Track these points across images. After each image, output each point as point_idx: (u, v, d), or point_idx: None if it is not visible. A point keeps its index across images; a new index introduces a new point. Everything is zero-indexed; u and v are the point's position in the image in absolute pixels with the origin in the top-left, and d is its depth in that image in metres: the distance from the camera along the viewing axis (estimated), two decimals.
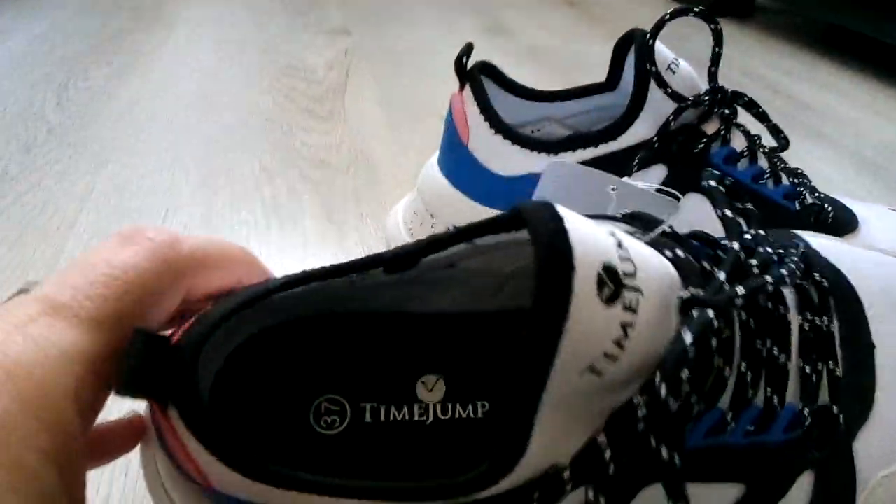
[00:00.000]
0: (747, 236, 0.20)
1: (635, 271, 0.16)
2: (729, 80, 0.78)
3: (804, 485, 0.20)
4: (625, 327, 0.15)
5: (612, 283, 0.15)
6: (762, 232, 0.20)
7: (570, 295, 0.14)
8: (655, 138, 0.30)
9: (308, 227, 0.46)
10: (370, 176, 0.52)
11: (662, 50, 0.31)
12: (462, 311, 0.23)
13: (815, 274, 0.21)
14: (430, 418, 0.22)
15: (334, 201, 0.49)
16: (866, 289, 0.22)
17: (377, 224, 0.46)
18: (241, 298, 0.18)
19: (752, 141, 0.31)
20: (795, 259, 0.20)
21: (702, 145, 0.30)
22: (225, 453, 0.16)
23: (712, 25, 0.30)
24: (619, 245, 0.16)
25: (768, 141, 0.35)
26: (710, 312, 0.16)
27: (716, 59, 0.31)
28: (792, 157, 0.59)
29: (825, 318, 0.20)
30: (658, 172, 0.30)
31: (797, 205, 0.31)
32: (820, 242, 0.24)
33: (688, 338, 0.15)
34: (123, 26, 0.88)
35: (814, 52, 0.89)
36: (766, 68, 0.83)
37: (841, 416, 0.19)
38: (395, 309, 0.22)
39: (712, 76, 0.31)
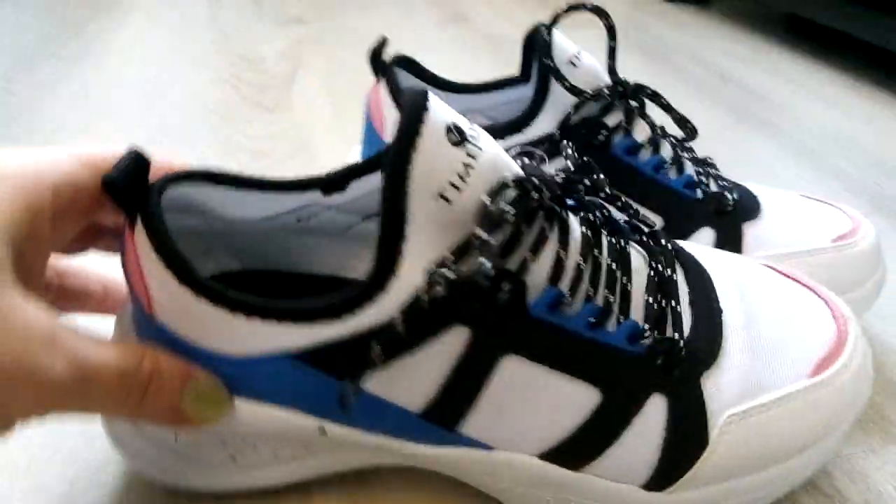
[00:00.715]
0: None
1: (479, 138, 0.20)
2: (678, 67, 0.79)
3: (659, 406, 0.22)
4: (466, 167, 0.19)
5: (459, 134, 0.19)
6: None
7: (421, 126, 0.19)
8: (557, 132, 0.31)
9: None
10: (310, 166, 0.53)
11: (563, 44, 0.32)
12: None
13: (668, 247, 0.25)
14: None
15: None
16: (718, 274, 0.26)
17: None
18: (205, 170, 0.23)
19: (654, 131, 0.32)
20: (647, 234, 0.25)
21: (602, 137, 0.31)
22: (178, 269, 0.20)
23: (604, 21, 0.31)
24: (471, 124, 0.21)
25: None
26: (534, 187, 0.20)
27: (611, 53, 0.32)
28: (737, 147, 0.60)
29: (669, 271, 0.24)
30: (559, 165, 0.31)
31: (699, 193, 0.32)
32: (687, 244, 0.28)
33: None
34: (75, 18, 0.87)
35: (771, 41, 0.90)
36: (719, 56, 0.84)
37: (684, 351, 0.22)
38: (331, 273, 0.27)
39: (612, 70, 0.32)
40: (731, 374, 0.23)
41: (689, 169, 0.33)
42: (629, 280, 0.23)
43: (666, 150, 0.32)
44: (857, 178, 0.55)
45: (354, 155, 0.40)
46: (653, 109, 0.34)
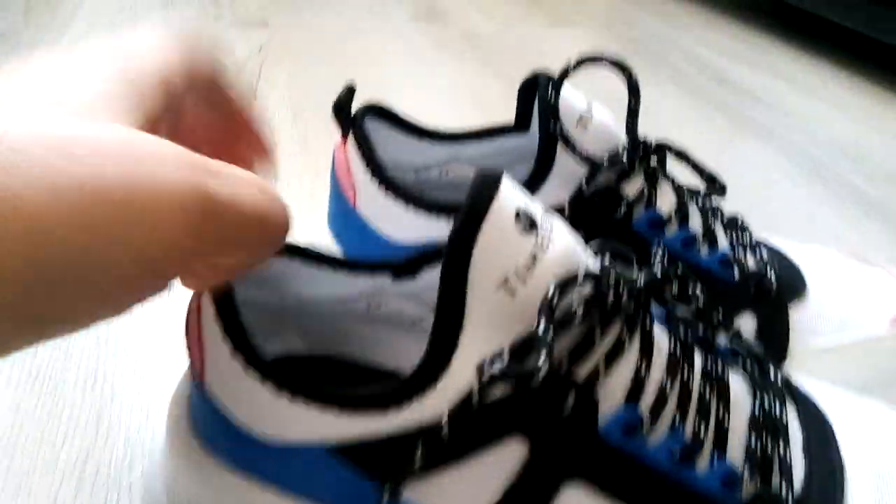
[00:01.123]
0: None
1: (551, 226, 0.18)
2: (673, 66, 0.73)
3: None
4: (534, 257, 0.17)
5: (529, 222, 0.18)
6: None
7: (488, 210, 0.17)
8: (567, 206, 0.25)
9: None
10: None
11: (571, 100, 0.26)
12: None
13: (777, 378, 0.21)
14: None
15: None
16: (838, 417, 0.22)
17: None
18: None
19: (682, 199, 0.27)
20: (752, 358, 0.21)
21: (622, 212, 0.25)
22: (233, 338, 0.19)
23: (627, 75, 0.25)
24: (544, 211, 0.19)
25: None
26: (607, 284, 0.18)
27: (633, 112, 0.26)
28: (737, 157, 0.56)
29: (778, 407, 0.20)
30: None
31: (736, 273, 0.27)
32: (799, 379, 0.24)
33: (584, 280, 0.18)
34: (11, 26, 0.79)
35: (765, 34, 0.85)
36: (712, 53, 0.78)
37: None
38: (397, 368, 0.25)
39: (630, 130, 0.26)
40: None
41: (723, 241, 0.27)
42: (727, 412, 0.20)
43: (695, 220, 0.27)
44: (863, 189, 0.51)
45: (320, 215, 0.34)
46: (673, 165, 0.29)
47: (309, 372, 0.24)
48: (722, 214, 0.29)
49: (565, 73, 0.25)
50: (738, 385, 0.21)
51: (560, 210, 0.25)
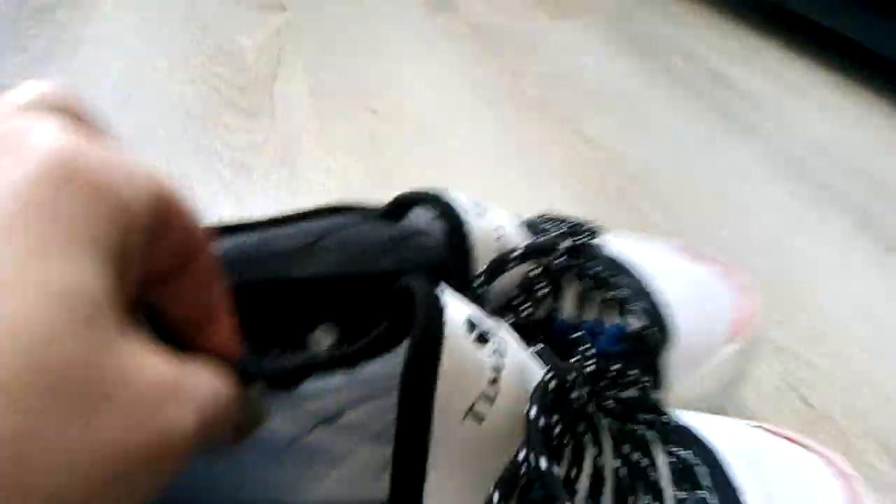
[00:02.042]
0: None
1: (498, 332, 0.18)
2: (668, 61, 0.77)
3: None
4: (496, 369, 0.16)
5: (480, 334, 0.17)
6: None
7: (443, 327, 0.15)
8: None
9: None
10: (292, 184, 0.51)
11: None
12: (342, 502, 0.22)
13: (676, 426, 0.23)
14: None
15: (255, 211, 0.48)
16: (721, 445, 0.24)
17: None
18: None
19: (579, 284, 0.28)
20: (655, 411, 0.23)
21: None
22: None
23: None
24: (482, 313, 0.18)
25: None
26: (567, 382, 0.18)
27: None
28: (719, 150, 0.60)
29: (685, 453, 0.22)
30: None
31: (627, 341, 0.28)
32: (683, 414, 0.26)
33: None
34: (42, 3, 0.83)
35: (763, 36, 0.89)
36: (709, 52, 0.82)
37: None
38: (273, 500, 0.21)
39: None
40: None
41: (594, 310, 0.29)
42: (658, 476, 0.21)
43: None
44: (842, 190, 0.55)
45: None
46: None
47: None
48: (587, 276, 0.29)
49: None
50: (654, 442, 0.22)
51: None
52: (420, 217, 0.28)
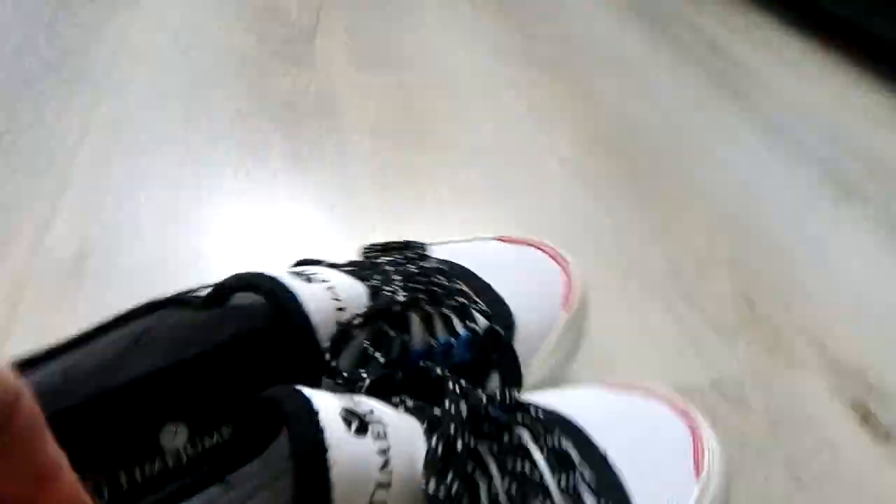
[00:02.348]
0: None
1: (372, 410, 0.18)
2: (672, 31, 0.84)
3: None
4: (383, 452, 0.16)
5: (356, 418, 0.17)
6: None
7: (323, 433, 0.15)
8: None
9: (275, 164, 0.53)
10: (332, 121, 0.60)
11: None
12: None
13: (539, 419, 0.25)
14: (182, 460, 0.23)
15: (299, 142, 0.56)
16: (580, 417, 0.27)
17: (336, 164, 0.54)
18: None
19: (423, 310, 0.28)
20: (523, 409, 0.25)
21: (400, 376, 0.26)
22: None
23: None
24: (351, 394, 0.19)
25: None
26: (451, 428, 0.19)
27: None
28: (708, 112, 0.67)
29: (557, 442, 0.24)
30: None
31: (474, 345, 0.29)
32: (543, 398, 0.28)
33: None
34: None
35: (763, 11, 0.95)
36: (713, 24, 0.89)
37: None
38: None
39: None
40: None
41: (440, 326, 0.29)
42: (540, 473, 0.22)
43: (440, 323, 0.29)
44: (820, 156, 0.63)
45: None
46: None
47: None
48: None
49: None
50: (530, 444, 0.23)
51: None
52: (242, 299, 0.27)
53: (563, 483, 0.22)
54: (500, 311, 0.31)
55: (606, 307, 0.44)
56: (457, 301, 0.29)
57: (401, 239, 0.35)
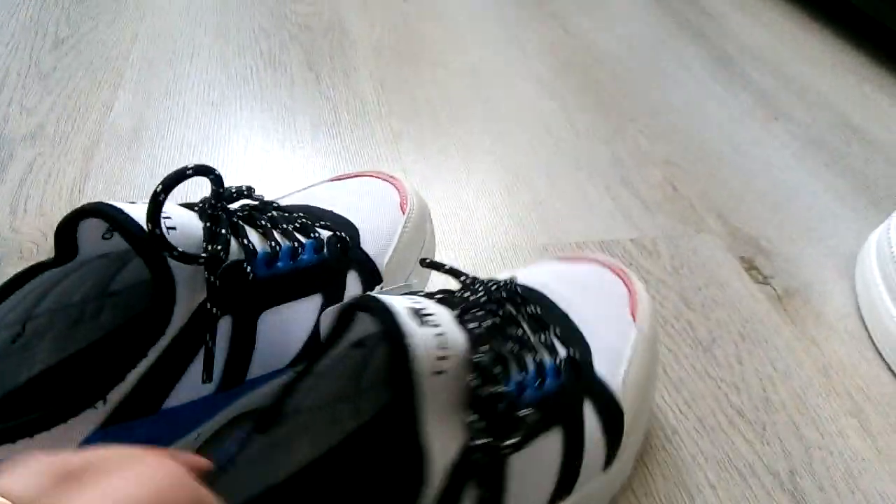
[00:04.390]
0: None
1: (426, 307, 0.23)
2: (670, 7, 0.93)
3: (590, 409, 0.28)
4: (438, 336, 0.22)
5: (418, 315, 0.22)
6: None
7: (401, 327, 0.21)
8: (211, 306, 0.27)
9: (294, 72, 0.64)
10: (343, 40, 0.70)
11: (141, 216, 0.27)
12: (330, 447, 0.28)
13: (517, 289, 0.30)
14: None
15: (314, 56, 0.67)
16: (544, 287, 0.33)
17: (343, 74, 0.64)
18: None
19: (259, 226, 0.31)
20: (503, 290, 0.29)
21: (250, 274, 0.29)
22: None
23: (212, 175, 0.29)
24: (413, 298, 0.24)
25: None
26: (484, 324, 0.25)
27: (216, 196, 0.29)
28: (670, 47, 0.76)
29: (533, 308, 0.29)
30: (224, 326, 0.28)
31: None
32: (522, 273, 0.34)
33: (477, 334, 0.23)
34: None
35: None
36: None
37: (580, 358, 0.29)
38: (267, 484, 0.26)
39: (213, 208, 0.29)
40: (601, 355, 0.30)
41: (283, 240, 0.31)
42: (527, 335, 0.27)
43: (278, 235, 0.32)
44: (760, 87, 0.72)
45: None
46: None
47: None
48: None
49: (158, 203, 0.26)
50: (519, 317, 0.28)
51: (201, 311, 0.27)
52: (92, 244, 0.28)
53: (542, 339, 0.28)
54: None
55: (558, 187, 0.55)
56: (299, 223, 0.32)
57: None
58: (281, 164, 0.53)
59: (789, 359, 0.42)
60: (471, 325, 0.24)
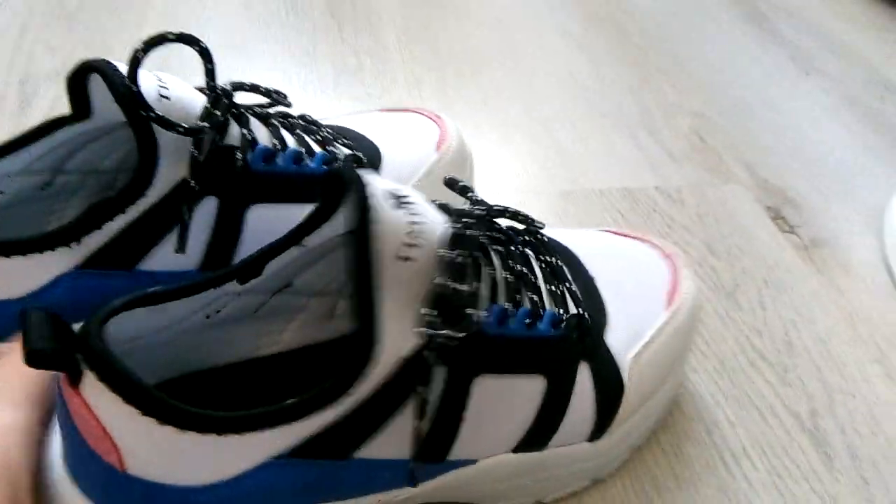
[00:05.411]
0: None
1: (410, 197, 0.23)
2: None
3: (585, 372, 0.27)
4: (413, 224, 0.21)
5: (396, 198, 0.22)
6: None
7: (368, 199, 0.21)
8: (190, 179, 0.27)
9: (317, 18, 0.63)
10: None
11: (144, 81, 0.27)
12: (303, 344, 0.28)
13: (543, 239, 0.30)
14: None
15: (336, 4, 0.66)
16: (577, 248, 0.32)
17: (366, 21, 0.64)
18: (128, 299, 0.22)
19: (271, 128, 0.30)
20: (526, 238, 0.29)
21: (240, 161, 0.28)
22: (142, 402, 0.19)
23: (197, 47, 0.29)
24: (397, 186, 0.23)
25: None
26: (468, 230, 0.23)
27: (210, 74, 0.30)
28: (700, 5, 0.74)
29: (553, 258, 0.28)
30: (209, 206, 0.28)
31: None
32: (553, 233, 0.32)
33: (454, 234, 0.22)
34: None
35: None
36: None
37: (589, 318, 0.27)
38: (249, 356, 0.27)
39: (211, 89, 0.29)
40: (619, 326, 0.29)
41: (315, 144, 0.32)
42: (535, 277, 0.26)
43: (290, 139, 0.31)
44: (794, 43, 0.70)
45: None
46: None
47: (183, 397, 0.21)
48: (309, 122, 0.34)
49: (137, 62, 0.26)
50: (531, 258, 0.27)
51: (186, 184, 0.27)
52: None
53: (552, 289, 0.27)
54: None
55: (582, 135, 0.54)
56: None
57: None
58: (303, 109, 0.53)
59: (814, 306, 0.41)
60: (456, 227, 0.23)
